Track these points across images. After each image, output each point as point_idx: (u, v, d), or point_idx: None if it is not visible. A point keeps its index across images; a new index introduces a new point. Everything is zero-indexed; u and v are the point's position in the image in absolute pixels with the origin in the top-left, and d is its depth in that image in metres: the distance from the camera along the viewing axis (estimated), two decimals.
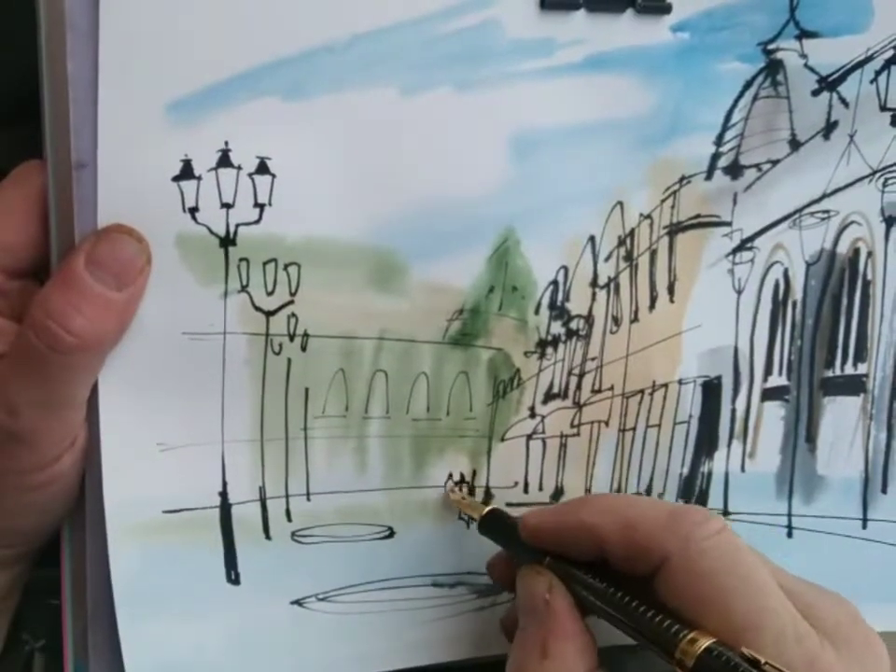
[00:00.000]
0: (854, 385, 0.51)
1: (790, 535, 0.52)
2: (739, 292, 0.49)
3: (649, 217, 0.46)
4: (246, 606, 0.44)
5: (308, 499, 0.45)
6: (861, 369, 0.51)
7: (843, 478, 0.52)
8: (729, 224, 0.48)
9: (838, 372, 0.51)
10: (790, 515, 0.51)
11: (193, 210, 0.39)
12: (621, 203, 0.45)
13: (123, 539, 0.42)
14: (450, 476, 0.47)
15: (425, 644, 0.48)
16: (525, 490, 0.48)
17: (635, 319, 0.47)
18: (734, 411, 0.50)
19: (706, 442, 0.50)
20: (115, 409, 0.40)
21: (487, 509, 0.46)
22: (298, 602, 0.45)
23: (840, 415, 0.52)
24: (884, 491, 0.53)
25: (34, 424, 0.38)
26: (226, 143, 0.39)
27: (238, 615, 0.44)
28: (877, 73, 0.47)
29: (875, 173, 0.49)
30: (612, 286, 0.47)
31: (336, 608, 0.46)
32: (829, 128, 0.47)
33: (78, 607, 0.42)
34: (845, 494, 0.52)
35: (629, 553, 0.39)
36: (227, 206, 0.40)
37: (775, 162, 0.47)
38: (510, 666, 0.41)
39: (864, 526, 0.52)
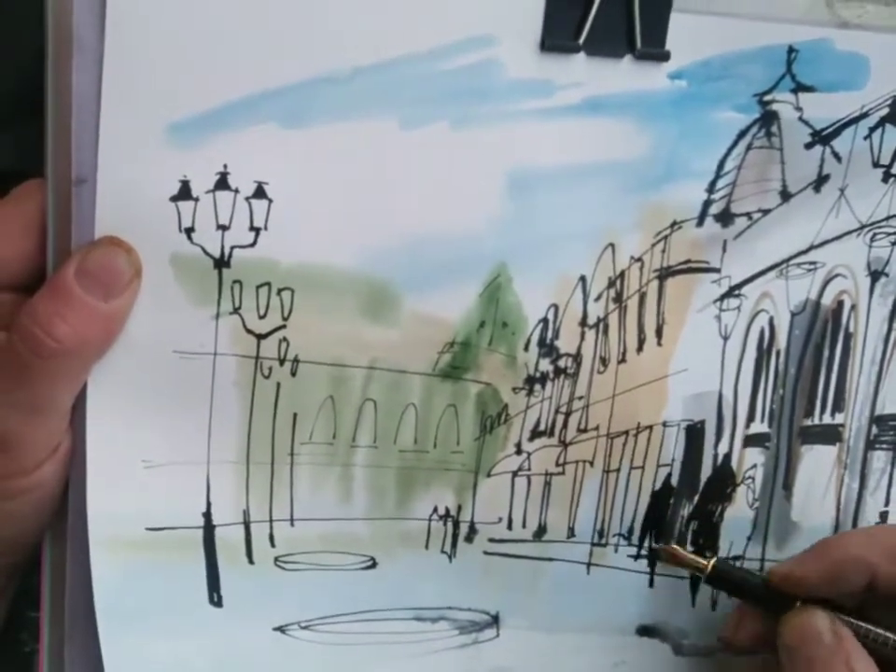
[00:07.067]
0: (831, 435, 0.49)
1: None
2: (726, 338, 0.46)
3: (639, 259, 0.44)
4: (229, 629, 0.42)
5: (292, 525, 0.42)
6: (839, 418, 0.49)
7: (814, 525, 0.50)
8: (718, 271, 0.45)
9: (816, 421, 0.49)
10: (762, 560, 0.49)
11: (189, 230, 0.38)
12: (612, 245, 0.43)
13: (105, 553, 0.39)
14: (435, 509, 0.44)
15: None
16: (509, 527, 0.46)
17: (622, 360, 0.45)
18: (715, 456, 0.48)
19: (687, 486, 0.47)
20: (102, 422, 0.39)
21: (713, 561, 0.46)
22: (280, 629, 0.43)
23: (816, 464, 0.49)
24: None
25: (15, 428, 0.37)
26: (224, 166, 0.37)
27: (221, 638, 0.42)
28: (871, 129, 0.45)
29: (863, 227, 0.47)
30: (601, 326, 0.44)
31: (319, 637, 0.44)
32: (820, 181, 0.45)
33: (56, 619, 0.40)
34: (815, 540, 0.49)
35: None
36: (223, 228, 0.38)
37: (765, 212, 0.45)
38: None
39: None
